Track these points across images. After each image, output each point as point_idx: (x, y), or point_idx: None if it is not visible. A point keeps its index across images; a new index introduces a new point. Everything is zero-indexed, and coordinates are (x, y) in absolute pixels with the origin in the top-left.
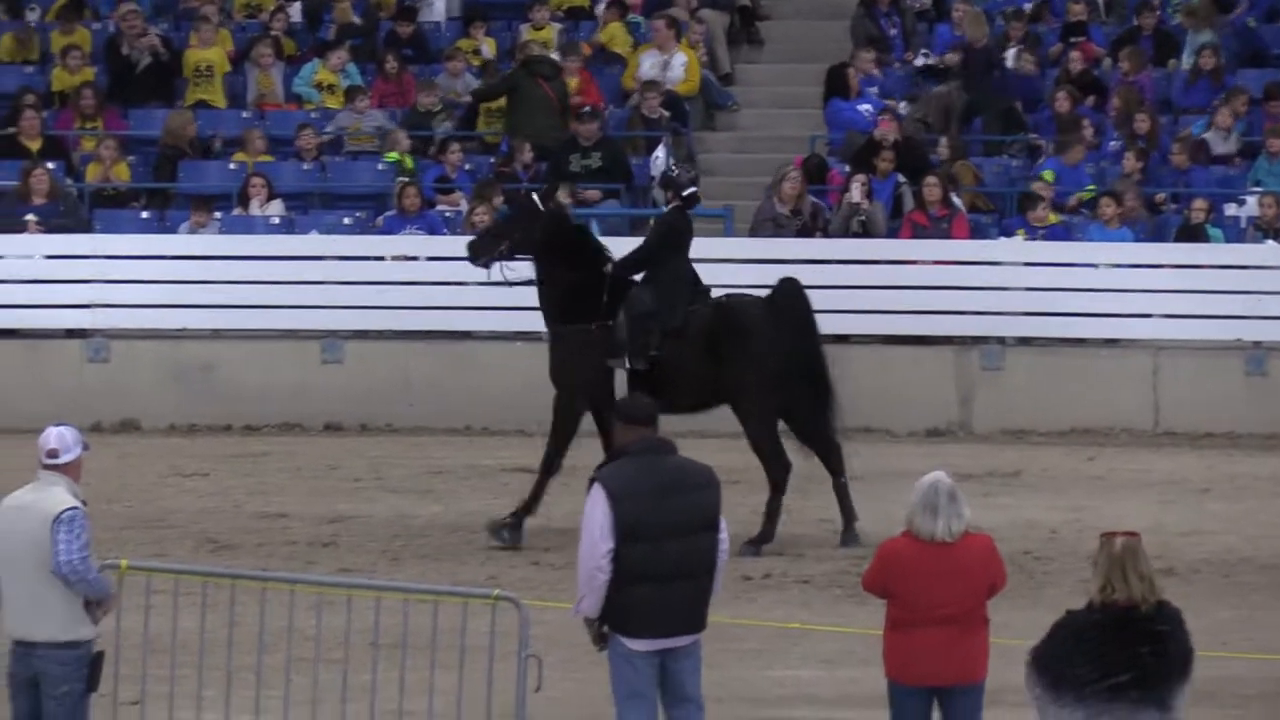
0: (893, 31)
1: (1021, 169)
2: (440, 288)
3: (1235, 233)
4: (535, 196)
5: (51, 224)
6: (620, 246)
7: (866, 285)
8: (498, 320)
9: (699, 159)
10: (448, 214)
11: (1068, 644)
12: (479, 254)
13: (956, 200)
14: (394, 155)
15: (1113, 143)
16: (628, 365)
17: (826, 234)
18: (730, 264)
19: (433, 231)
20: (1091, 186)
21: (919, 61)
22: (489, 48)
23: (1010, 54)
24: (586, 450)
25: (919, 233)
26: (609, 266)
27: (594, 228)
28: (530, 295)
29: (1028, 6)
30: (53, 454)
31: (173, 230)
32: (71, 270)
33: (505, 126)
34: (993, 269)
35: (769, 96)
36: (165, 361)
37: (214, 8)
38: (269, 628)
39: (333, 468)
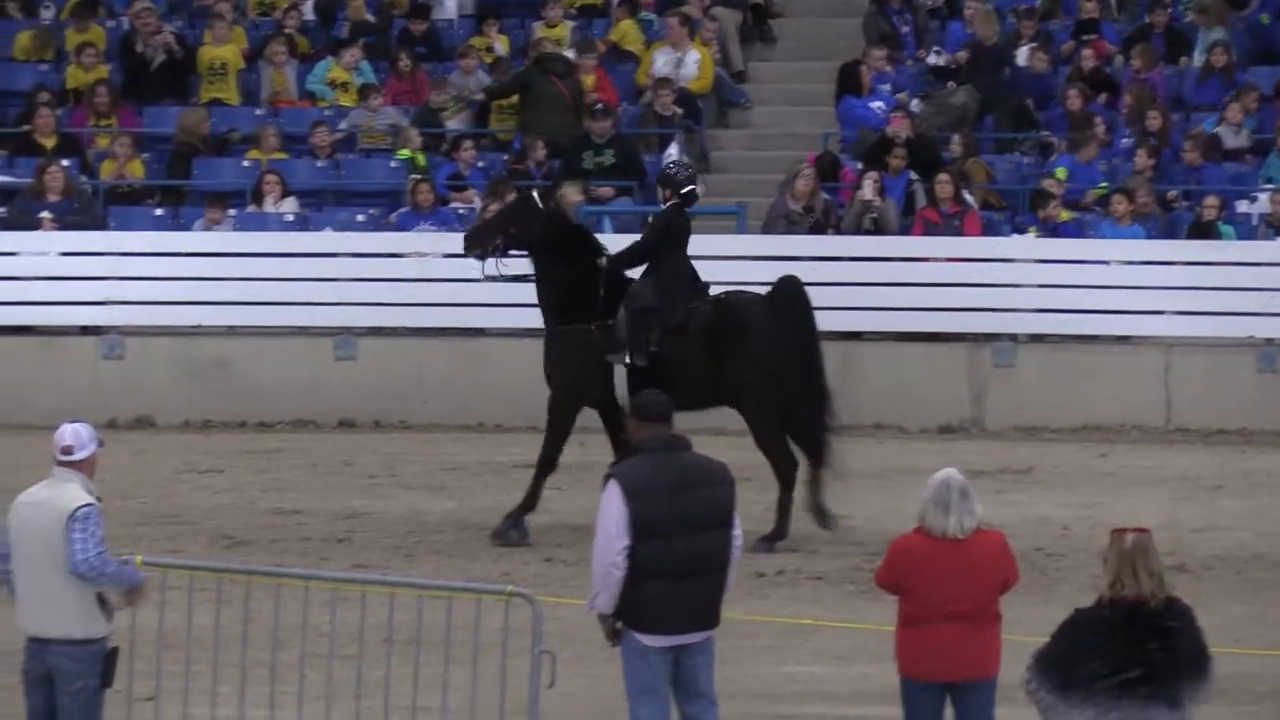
0: (905, 29)
1: (1033, 166)
2: (454, 284)
3: (1247, 230)
4: (536, 194)
5: (66, 221)
6: (627, 244)
7: (879, 282)
8: (511, 317)
9: (712, 156)
10: (461, 211)
11: (1077, 641)
12: (474, 246)
13: (969, 197)
14: (405, 152)
15: (1124, 140)
16: (628, 361)
17: (839, 231)
18: (743, 261)
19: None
20: (1104, 184)
21: (931, 59)
22: (502, 45)
23: (1023, 52)
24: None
25: (931, 230)
26: (603, 261)
27: (607, 225)
28: None
29: (1038, 4)
30: (67, 450)
31: (187, 227)
32: (86, 267)
33: (518, 124)
34: (1005, 266)
35: (781, 94)
36: (180, 358)
37: (228, 5)
38: (283, 623)
39: (347, 464)
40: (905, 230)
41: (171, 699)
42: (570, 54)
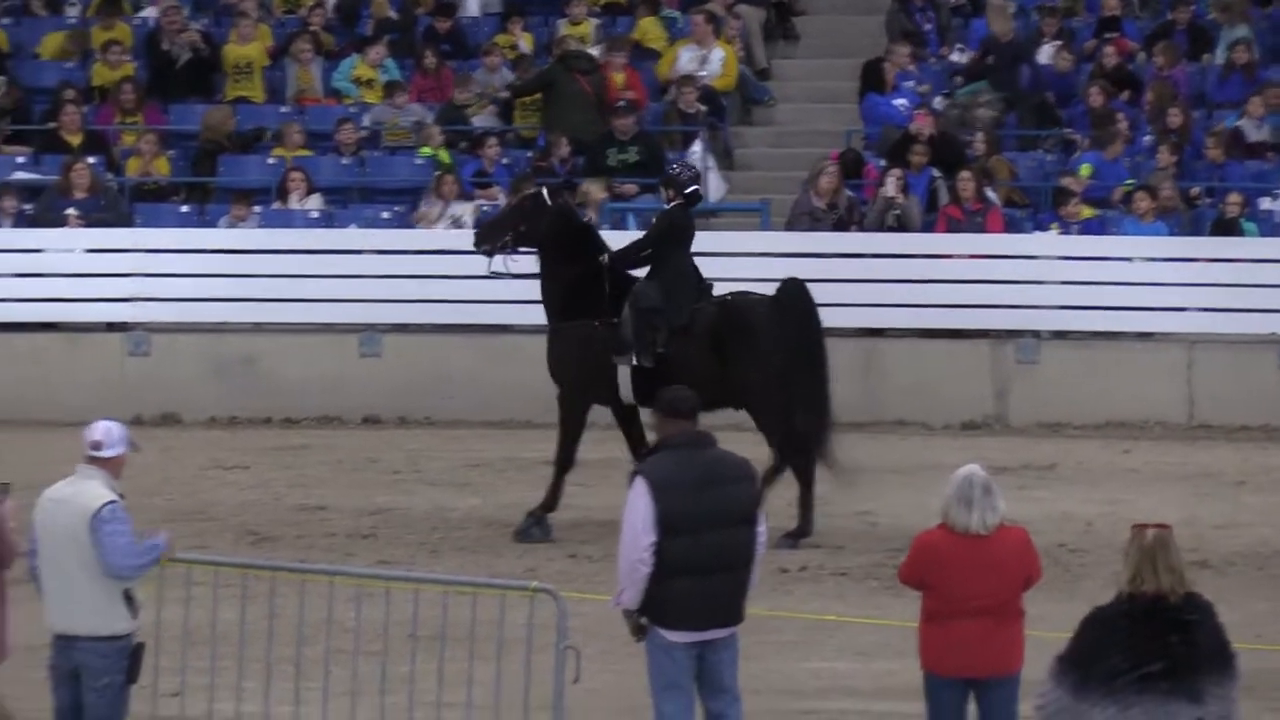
0: (927, 26)
1: (1056, 163)
2: (478, 281)
3: (1270, 227)
4: (545, 191)
5: (92, 218)
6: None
7: (902, 279)
8: (536, 313)
9: (735, 153)
10: (485, 207)
11: (1097, 638)
12: (484, 242)
13: (991, 194)
14: (428, 150)
15: (1146, 137)
16: (635, 362)
17: (862, 228)
18: (766, 257)
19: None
20: (1130, 181)
21: (954, 56)
22: (526, 43)
23: (1046, 50)
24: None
25: (954, 227)
26: (604, 258)
27: (631, 222)
28: None
29: (1060, 1)
30: (95, 445)
31: (212, 224)
32: (112, 264)
33: (542, 121)
34: (1028, 263)
35: (805, 91)
36: (205, 355)
37: (253, 3)
38: (308, 619)
39: (372, 460)
40: (928, 227)
41: (196, 694)
42: (595, 51)
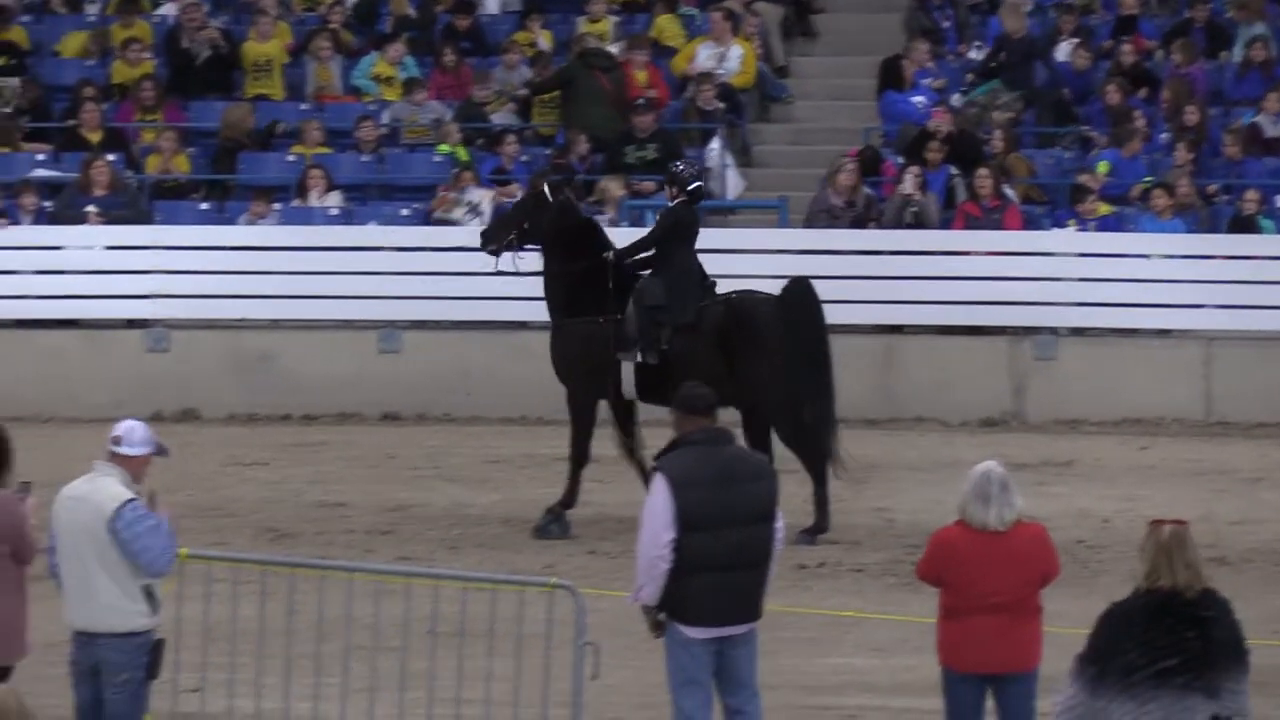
0: (946, 24)
1: (1074, 161)
2: (497, 278)
3: None
4: (546, 187)
5: (112, 215)
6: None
7: (920, 276)
8: None
9: (754, 150)
10: (504, 201)
11: (1113, 633)
12: (490, 241)
13: (1009, 192)
14: (446, 147)
15: (1163, 135)
16: (640, 358)
17: (880, 225)
18: (784, 254)
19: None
20: (1149, 178)
21: (972, 54)
22: (545, 40)
23: (1064, 48)
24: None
25: (972, 224)
26: (609, 254)
27: (650, 219)
28: None
29: None
30: (115, 440)
31: (232, 221)
32: (132, 261)
33: (560, 118)
34: (1045, 260)
35: (823, 89)
36: (225, 351)
37: (272, 1)
38: (328, 616)
39: (391, 457)
40: (946, 224)
41: (216, 690)
42: (614, 49)
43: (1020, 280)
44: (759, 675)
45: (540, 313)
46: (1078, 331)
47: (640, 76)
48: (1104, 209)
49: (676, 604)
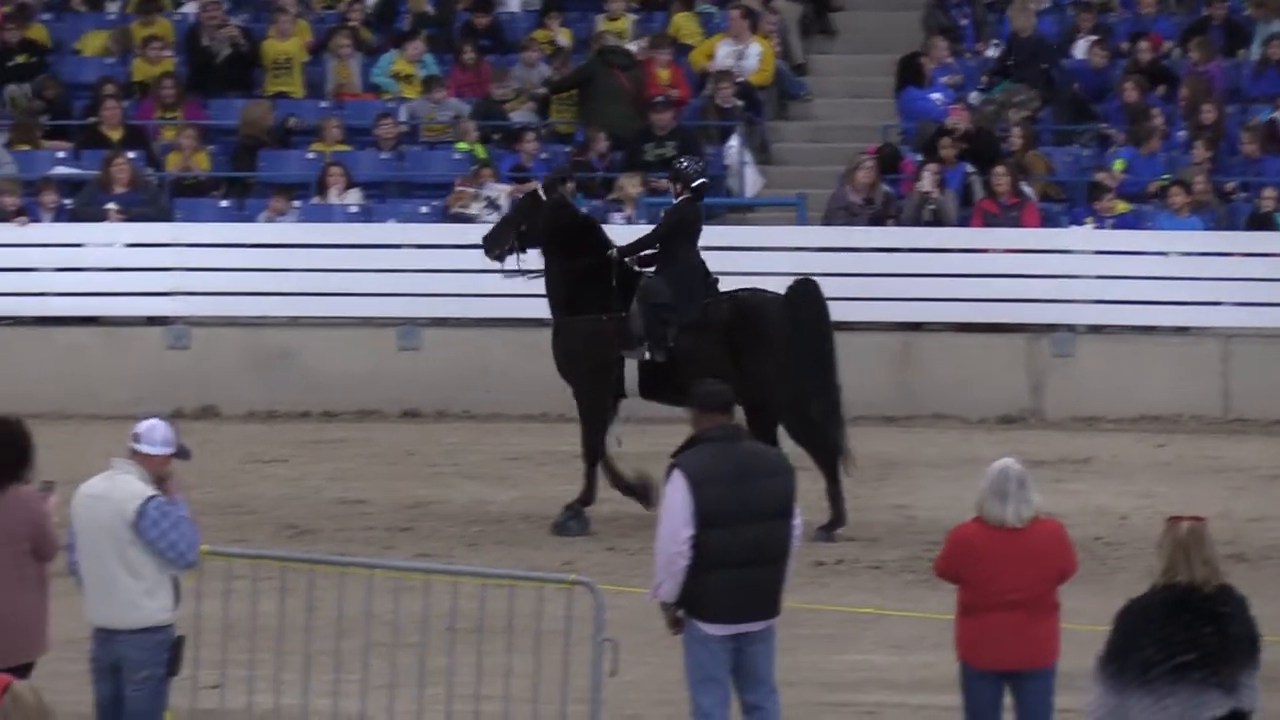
0: (964, 22)
1: (1092, 158)
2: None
3: None
4: (539, 186)
5: (132, 212)
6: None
7: (938, 273)
8: None
9: (772, 148)
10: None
11: (1130, 629)
12: (493, 247)
13: (1027, 189)
14: (464, 145)
15: (1181, 133)
16: (647, 357)
17: (898, 222)
18: (803, 252)
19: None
20: (1166, 175)
21: (990, 52)
22: (564, 38)
23: (1081, 45)
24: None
25: (989, 221)
26: (613, 252)
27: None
28: None
29: None
30: (135, 438)
31: (252, 219)
32: (152, 258)
33: (579, 116)
34: (1063, 257)
35: (842, 86)
36: (245, 349)
37: None
38: (347, 612)
39: (410, 454)
40: (964, 222)
41: (236, 687)
42: (633, 47)
43: (1038, 278)
44: (777, 672)
45: None
46: (1096, 329)
47: (663, 75)
48: (1122, 207)
49: (695, 601)
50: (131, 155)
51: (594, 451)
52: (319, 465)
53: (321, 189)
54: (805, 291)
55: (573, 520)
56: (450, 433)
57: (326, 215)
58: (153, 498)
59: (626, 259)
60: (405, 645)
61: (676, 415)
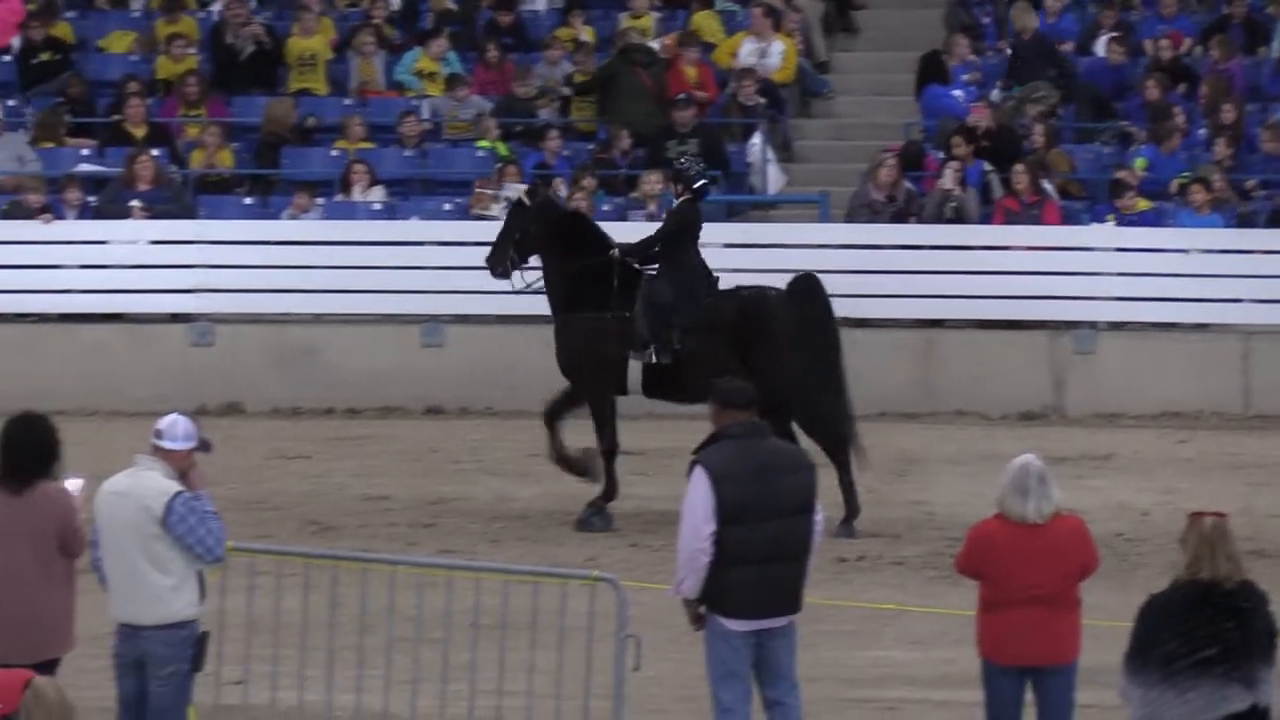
0: (985, 20)
1: (1113, 156)
2: (539, 272)
3: None
4: (523, 194)
5: (156, 210)
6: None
7: (960, 271)
8: None
9: (795, 145)
10: None
11: (1153, 624)
12: (495, 265)
13: (1048, 186)
14: (485, 142)
15: (1201, 131)
16: (653, 359)
17: (920, 220)
18: (825, 249)
19: None
20: (1187, 173)
21: (1010, 50)
22: (588, 36)
23: (1101, 42)
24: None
25: (1011, 219)
26: (615, 253)
27: None
28: None
29: None
30: (157, 434)
31: (276, 216)
32: (176, 255)
33: (600, 113)
34: (1085, 254)
35: (864, 84)
36: (268, 346)
37: None
38: (370, 608)
39: (433, 450)
40: (985, 219)
41: (260, 683)
42: (655, 44)
43: (1060, 275)
44: (798, 667)
45: None
46: (1117, 326)
47: (691, 74)
48: (1143, 204)
49: (716, 597)
50: (155, 153)
51: (609, 445)
52: (342, 462)
53: (345, 186)
54: (807, 287)
55: (596, 516)
56: (473, 429)
57: (350, 212)
58: (179, 494)
59: (629, 260)
60: (428, 641)
61: (678, 412)
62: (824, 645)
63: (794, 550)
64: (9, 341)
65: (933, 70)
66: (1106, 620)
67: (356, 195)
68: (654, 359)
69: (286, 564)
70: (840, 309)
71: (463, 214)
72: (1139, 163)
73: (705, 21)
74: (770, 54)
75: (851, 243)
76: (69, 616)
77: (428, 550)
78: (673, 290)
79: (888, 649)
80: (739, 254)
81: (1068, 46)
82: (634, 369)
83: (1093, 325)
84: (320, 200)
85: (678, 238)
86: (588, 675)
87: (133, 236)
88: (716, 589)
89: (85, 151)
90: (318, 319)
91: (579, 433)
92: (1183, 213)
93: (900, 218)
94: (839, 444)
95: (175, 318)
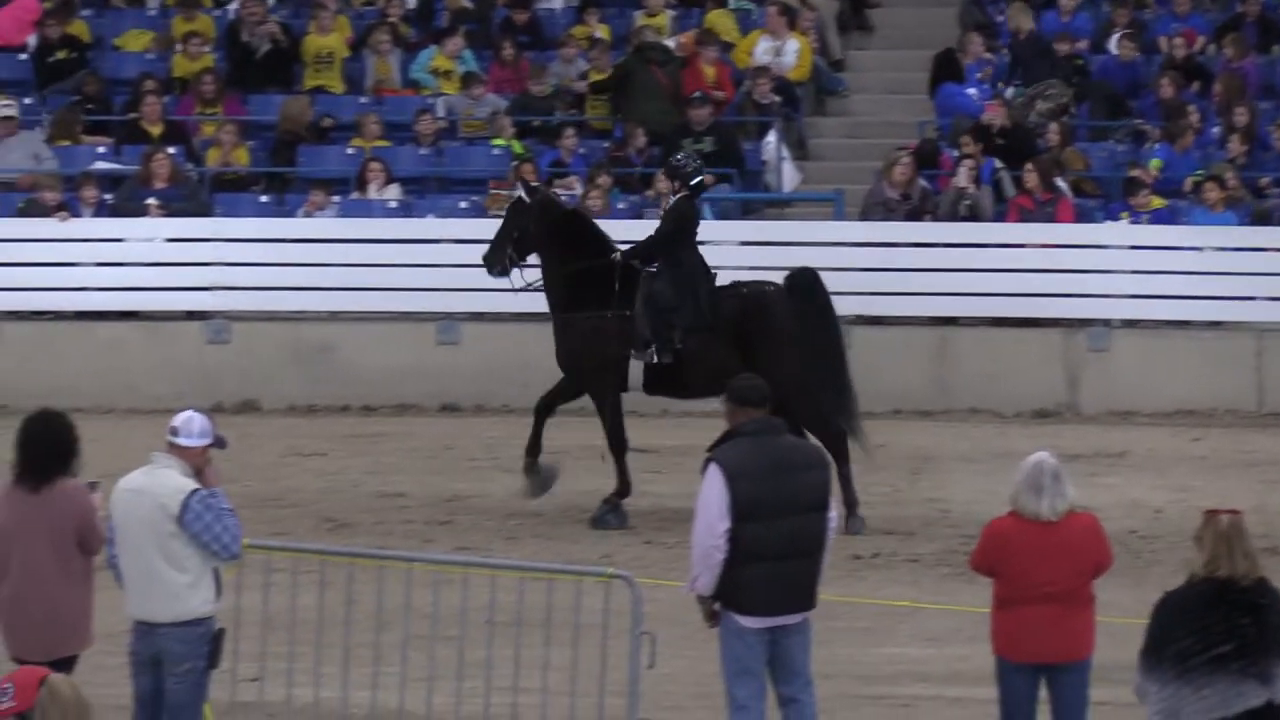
0: (999, 18)
1: (1127, 154)
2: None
3: None
4: (522, 192)
5: (172, 208)
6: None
7: (974, 268)
8: None
9: (810, 143)
10: (563, 197)
11: (1168, 621)
12: (493, 264)
13: (1062, 184)
14: (501, 141)
15: (1215, 129)
16: (655, 359)
17: (935, 217)
18: (840, 247)
19: None
20: (1201, 171)
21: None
22: (603, 34)
23: (1114, 40)
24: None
25: (1025, 217)
26: (616, 255)
27: (706, 212)
28: None
29: None
30: (173, 431)
31: (292, 214)
32: (192, 253)
33: (617, 111)
34: (1099, 252)
35: (879, 82)
36: (284, 343)
37: None
38: (386, 605)
39: (448, 448)
40: (999, 217)
41: (275, 680)
42: (670, 43)
43: (1074, 273)
44: (813, 664)
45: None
46: (1131, 323)
47: (709, 73)
48: (1157, 202)
49: (731, 594)
50: (171, 151)
51: (617, 441)
52: (358, 459)
53: (361, 184)
54: (807, 282)
55: (611, 514)
56: (489, 427)
57: (366, 210)
58: (195, 491)
59: (631, 261)
60: (444, 638)
61: (692, 410)
62: (839, 642)
63: (809, 547)
64: (26, 339)
65: (947, 68)
66: (1120, 617)
67: (372, 193)
68: (656, 359)
69: (302, 561)
70: (855, 307)
71: (478, 212)
72: (1154, 163)
73: (720, 20)
74: (785, 52)
75: (866, 241)
76: (87, 614)
77: (443, 547)
78: (673, 289)
79: (902, 646)
80: (754, 252)
81: (1082, 45)
82: (634, 367)
83: (1106, 323)
84: (336, 198)
85: (677, 236)
86: (603, 672)
87: (149, 234)
88: (731, 586)
89: (101, 149)
90: (333, 316)
91: (580, 431)
92: (1196, 211)
93: (915, 216)
94: (839, 438)
95: (191, 315)
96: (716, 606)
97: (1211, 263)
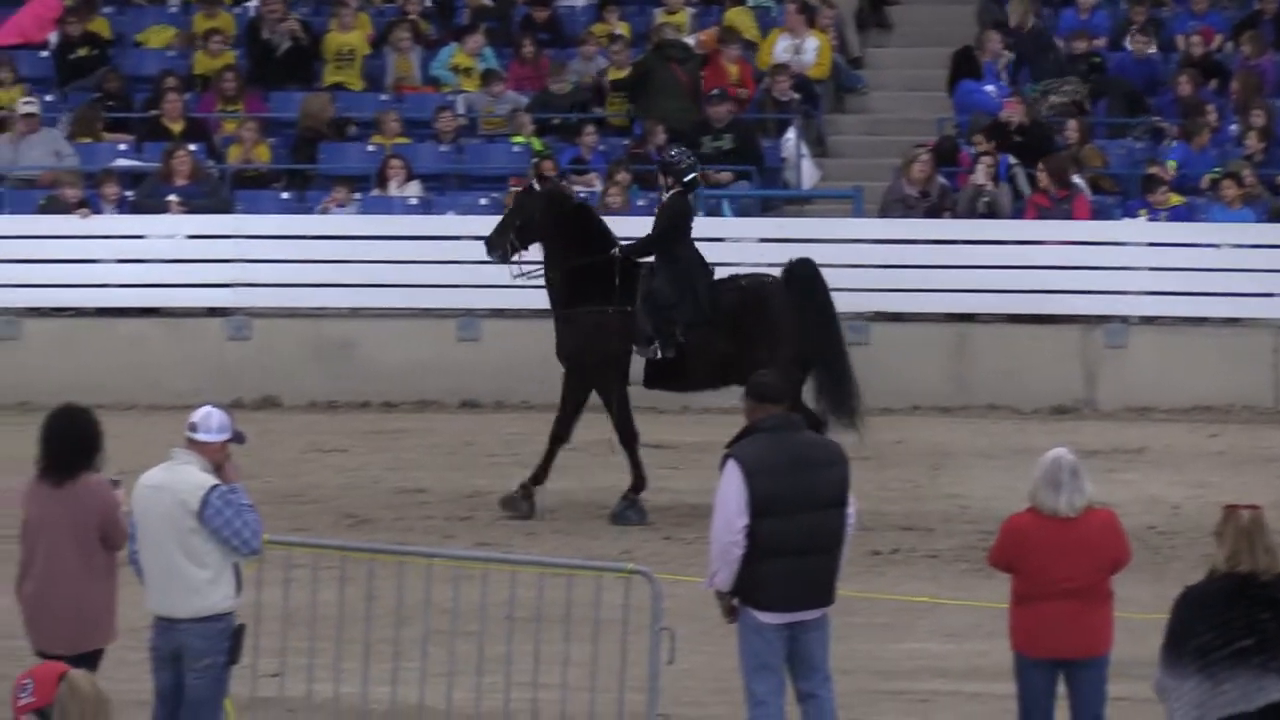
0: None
1: (1145, 151)
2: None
3: None
4: (534, 182)
5: (193, 204)
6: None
7: (992, 265)
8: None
9: (829, 141)
10: (582, 194)
11: (1188, 616)
12: (494, 249)
13: (1080, 182)
14: (521, 138)
15: (1232, 126)
16: (658, 355)
17: (954, 215)
18: (859, 244)
19: None
20: (1218, 168)
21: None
22: (623, 31)
23: (1128, 37)
24: (713, 426)
25: (1043, 214)
26: (616, 251)
27: (725, 209)
28: None
29: None
30: (192, 427)
31: (312, 211)
32: (213, 250)
33: (635, 108)
34: (1116, 249)
35: (898, 79)
36: (305, 339)
37: None
38: (406, 601)
39: (469, 444)
40: (1017, 214)
41: (296, 675)
42: (690, 40)
43: (1091, 269)
44: (832, 660)
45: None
46: (1148, 320)
47: (732, 71)
48: (1175, 199)
49: (750, 589)
50: (192, 148)
51: (627, 434)
52: (378, 455)
53: (381, 181)
54: (805, 272)
55: (630, 509)
56: (509, 423)
57: (386, 207)
58: (215, 487)
59: (631, 259)
60: (464, 634)
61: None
62: (857, 638)
63: (827, 543)
64: (48, 335)
65: (965, 65)
66: (1139, 613)
67: (393, 190)
68: (658, 354)
69: (323, 557)
70: (873, 304)
71: (498, 209)
72: (1170, 165)
73: (739, 17)
74: (805, 50)
75: (884, 238)
76: (110, 608)
77: (464, 543)
78: (671, 286)
79: (921, 641)
80: (773, 248)
81: (1100, 42)
82: (635, 361)
83: (1124, 319)
84: (357, 195)
85: (672, 233)
86: (622, 668)
87: (170, 231)
88: (750, 582)
89: (123, 146)
90: (354, 313)
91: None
92: (1214, 208)
93: (933, 213)
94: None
95: (212, 312)
96: (735, 602)
97: (1229, 260)
